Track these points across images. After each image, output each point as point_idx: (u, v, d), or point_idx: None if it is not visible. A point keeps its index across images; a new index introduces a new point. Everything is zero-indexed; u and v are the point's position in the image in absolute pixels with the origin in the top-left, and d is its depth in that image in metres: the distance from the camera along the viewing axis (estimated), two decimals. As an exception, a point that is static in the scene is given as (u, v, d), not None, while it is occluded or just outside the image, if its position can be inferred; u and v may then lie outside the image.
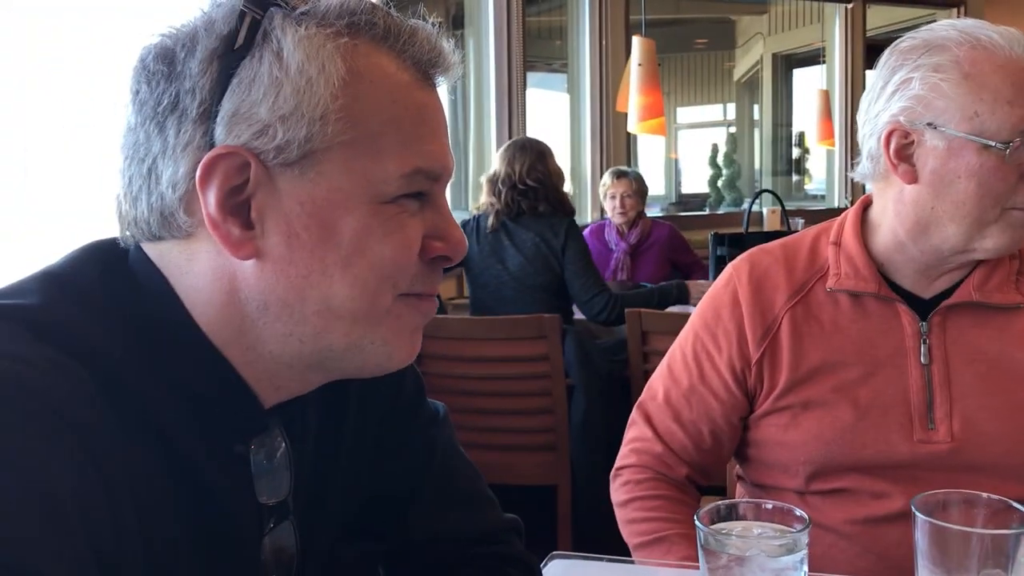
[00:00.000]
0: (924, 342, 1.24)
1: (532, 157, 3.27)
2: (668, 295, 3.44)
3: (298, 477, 0.80)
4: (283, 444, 0.78)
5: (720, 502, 0.85)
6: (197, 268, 0.71)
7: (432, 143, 0.74)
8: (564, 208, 3.29)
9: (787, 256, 1.33)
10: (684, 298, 3.48)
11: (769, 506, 0.85)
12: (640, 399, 1.42)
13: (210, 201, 0.68)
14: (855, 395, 1.24)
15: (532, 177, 3.23)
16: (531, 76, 5.26)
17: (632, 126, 4.59)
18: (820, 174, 9.19)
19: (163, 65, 0.70)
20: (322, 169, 0.69)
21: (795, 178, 10.62)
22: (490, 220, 3.27)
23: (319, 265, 0.70)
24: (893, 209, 1.25)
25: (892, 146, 1.20)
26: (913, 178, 1.20)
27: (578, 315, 3.35)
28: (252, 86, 0.68)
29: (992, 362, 1.23)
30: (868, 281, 1.26)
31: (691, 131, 12.72)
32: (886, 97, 1.20)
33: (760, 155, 10.73)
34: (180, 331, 0.71)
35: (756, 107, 11.18)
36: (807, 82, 9.56)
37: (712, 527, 0.83)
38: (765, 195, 4.91)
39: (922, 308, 1.26)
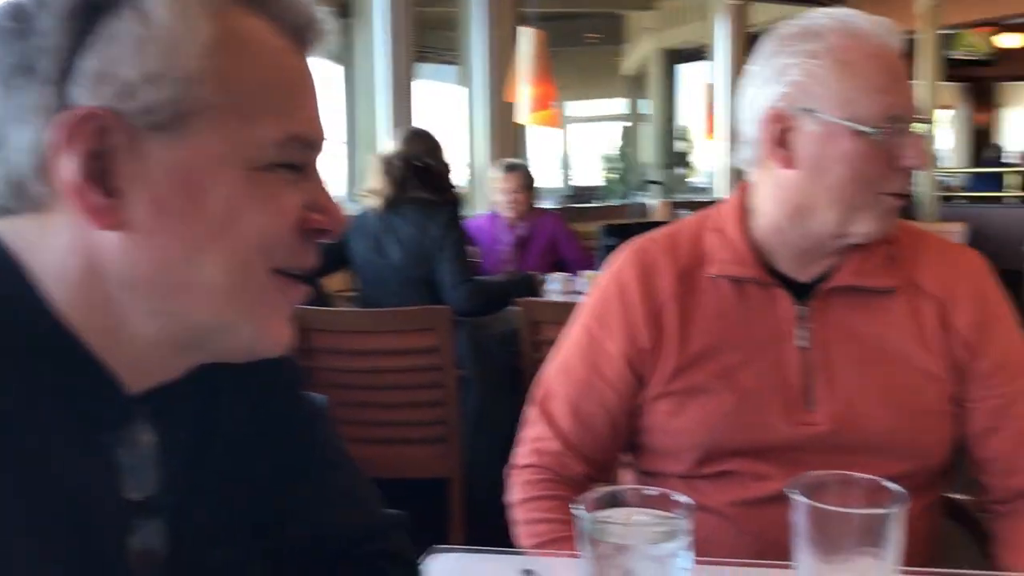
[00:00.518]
0: (804, 326, 1.26)
1: (429, 143, 3.36)
2: (519, 287, 3.48)
3: (168, 472, 0.75)
4: (151, 436, 0.74)
5: (602, 490, 0.84)
6: (53, 243, 0.66)
7: (306, 109, 0.72)
8: (447, 197, 3.30)
9: (671, 244, 1.34)
10: (535, 291, 3.55)
11: (651, 492, 0.84)
12: (535, 396, 1.40)
13: (69, 167, 0.63)
14: (736, 380, 1.25)
15: (423, 161, 3.26)
16: (425, 68, 5.24)
17: (523, 117, 4.58)
18: (707, 167, 9.44)
19: (13, 22, 0.64)
20: (191, 133, 0.65)
21: (682, 170, 10.88)
22: (376, 203, 3.23)
23: (189, 235, 0.66)
24: (772, 194, 1.26)
25: (770, 132, 1.21)
26: (790, 163, 1.22)
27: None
28: (113, 44, 0.63)
29: (869, 345, 1.25)
30: (748, 266, 1.28)
31: (584, 125, 12.87)
32: (764, 83, 1.22)
33: (650, 148, 10.94)
34: (30, 312, 0.65)
35: (645, 102, 11.39)
36: (693, 77, 9.80)
37: (592, 515, 0.81)
38: (653, 187, 4.99)
39: (802, 293, 1.28)
